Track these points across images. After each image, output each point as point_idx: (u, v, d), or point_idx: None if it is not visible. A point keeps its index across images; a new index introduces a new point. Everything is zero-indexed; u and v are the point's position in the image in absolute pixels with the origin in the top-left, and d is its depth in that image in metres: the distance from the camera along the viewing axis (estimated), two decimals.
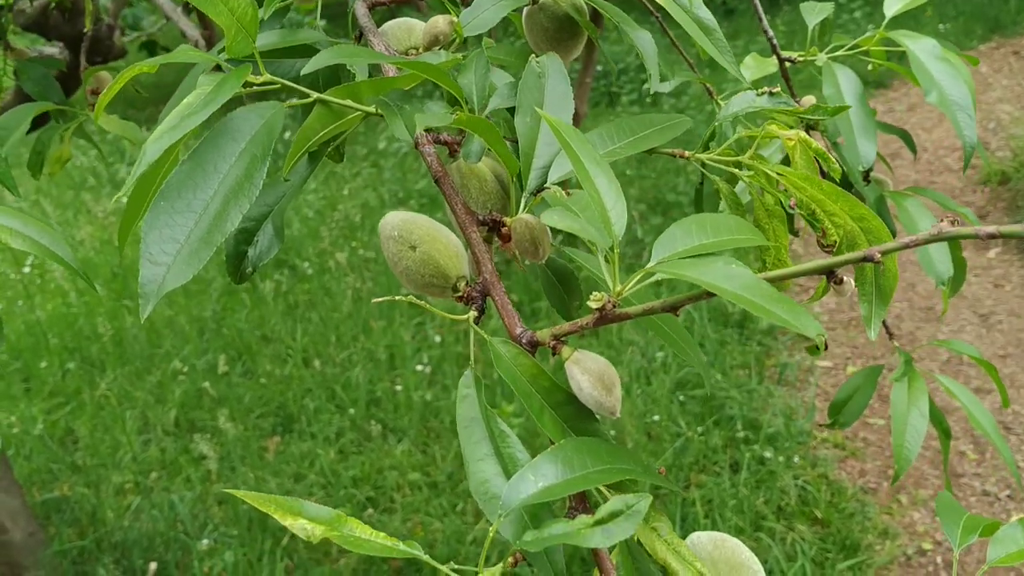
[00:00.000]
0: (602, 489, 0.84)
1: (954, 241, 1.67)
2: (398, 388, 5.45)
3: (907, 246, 0.71)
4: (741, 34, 11.29)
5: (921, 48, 1.48)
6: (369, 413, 5.33)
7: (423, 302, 0.87)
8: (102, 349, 5.97)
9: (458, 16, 1.14)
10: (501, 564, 0.78)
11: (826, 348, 0.67)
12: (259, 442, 5.15)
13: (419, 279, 0.93)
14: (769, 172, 1.01)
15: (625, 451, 0.83)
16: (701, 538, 0.88)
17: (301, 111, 1.04)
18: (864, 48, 1.61)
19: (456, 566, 0.78)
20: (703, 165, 1.08)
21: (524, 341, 0.87)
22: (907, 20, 9.25)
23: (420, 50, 1.15)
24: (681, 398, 5.22)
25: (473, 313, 0.91)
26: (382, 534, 0.77)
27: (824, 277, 0.80)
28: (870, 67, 1.67)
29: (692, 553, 0.83)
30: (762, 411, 5.11)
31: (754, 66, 1.75)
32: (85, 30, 1.96)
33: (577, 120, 6.50)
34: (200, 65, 1.09)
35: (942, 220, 0.69)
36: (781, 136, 1.02)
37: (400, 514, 4.59)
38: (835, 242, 0.97)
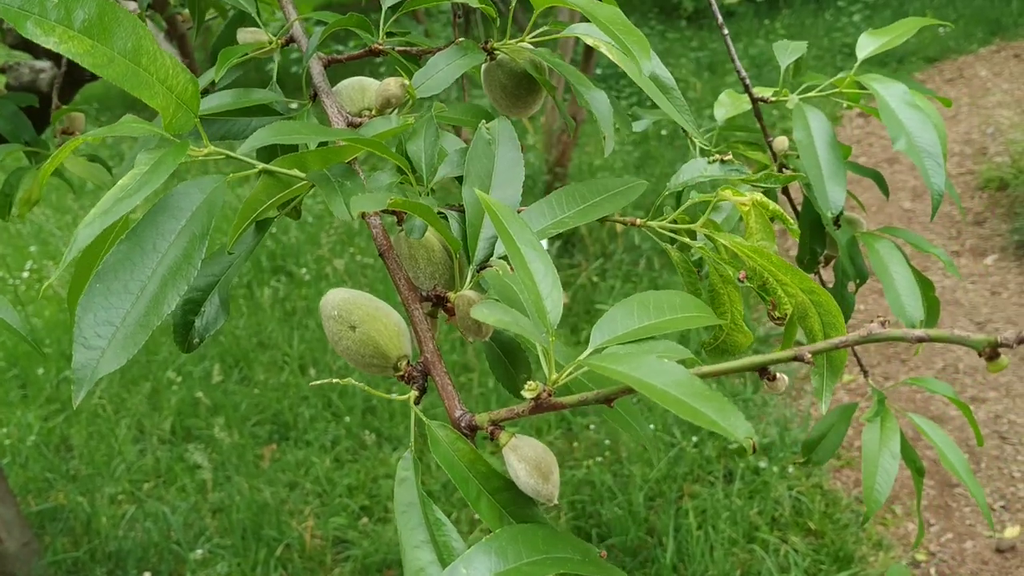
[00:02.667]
0: None
1: (926, 281, 1.66)
2: (393, 396, 5.45)
3: (838, 347, 0.71)
4: (741, 37, 11.26)
5: (891, 93, 1.47)
6: (364, 422, 5.33)
7: (363, 384, 0.86)
8: None
9: (411, 77, 1.13)
10: None
11: (754, 451, 0.66)
12: (254, 450, 5.15)
13: (360, 359, 0.93)
14: (724, 243, 1.00)
15: (564, 537, 0.82)
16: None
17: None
18: (838, 89, 1.60)
19: None
20: (678, 241, 1.08)
21: (463, 425, 0.87)
22: None
23: (373, 112, 1.14)
24: None
25: (414, 393, 0.90)
26: None
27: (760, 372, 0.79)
28: (846, 105, 1.66)
29: None
30: (757, 421, 5.10)
31: (728, 103, 1.74)
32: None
33: (576, 126, 6.49)
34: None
35: (873, 321, 0.68)
36: (735, 201, 1.02)
37: (394, 524, 4.60)
38: (786, 314, 0.97)
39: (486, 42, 1.19)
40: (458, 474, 0.83)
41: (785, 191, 1.68)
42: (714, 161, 1.06)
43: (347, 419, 5.30)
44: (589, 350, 0.82)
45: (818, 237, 1.65)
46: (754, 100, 1.63)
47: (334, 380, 0.85)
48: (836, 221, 1.49)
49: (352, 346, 0.92)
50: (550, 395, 0.80)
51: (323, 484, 4.86)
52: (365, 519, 4.66)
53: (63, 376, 5.82)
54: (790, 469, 4.78)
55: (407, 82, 1.10)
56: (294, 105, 1.20)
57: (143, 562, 4.40)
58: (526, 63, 1.17)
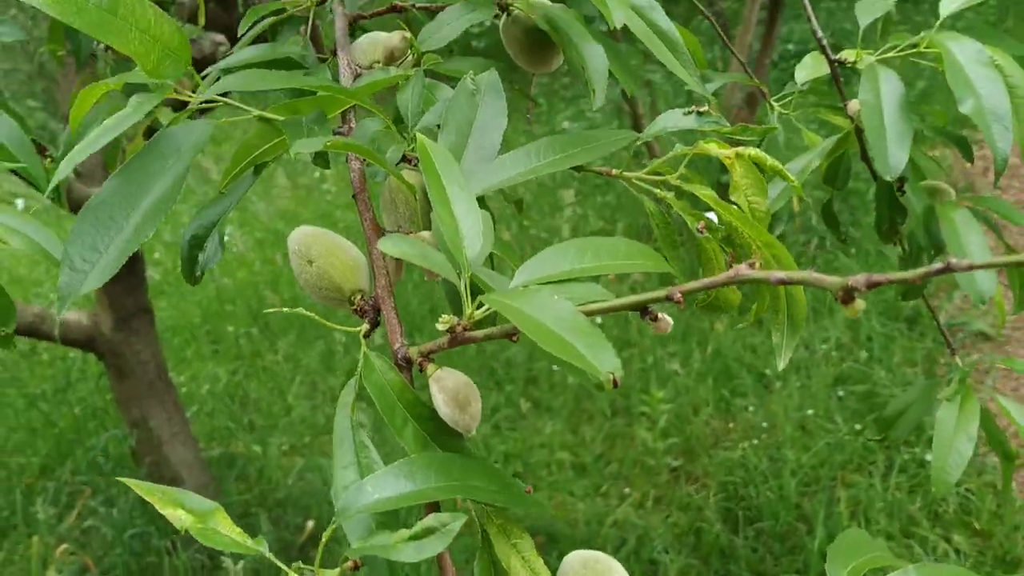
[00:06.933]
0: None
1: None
2: (555, 368, 5.52)
3: (706, 287, 0.70)
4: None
5: (962, 51, 1.39)
6: (525, 391, 5.43)
7: (317, 316, 0.92)
8: (279, 315, 6.34)
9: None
10: (339, 568, 0.83)
11: (615, 386, 0.67)
12: None
13: (317, 292, 0.99)
14: (697, 192, 0.99)
15: (487, 469, 0.85)
16: (572, 560, 0.89)
17: None
18: (917, 48, 1.53)
19: (303, 566, 0.83)
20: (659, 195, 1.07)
21: (399, 357, 0.91)
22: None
23: (381, 63, 1.19)
24: (840, 393, 5.03)
25: (365, 326, 0.95)
26: (238, 530, 0.84)
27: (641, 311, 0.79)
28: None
29: (548, 571, 0.85)
30: (928, 412, 4.85)
31: (811, 65, 1.68)
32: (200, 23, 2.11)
33: (754, 103, 6.30)
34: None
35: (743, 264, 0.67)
36: (719, 154, 1.00)
37: (546, 492, 4.67)
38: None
39: None
40: (386, 402, 0.87)
41: (864, 156, 1.62)
42: (690, 112, 1.05)
43: (508, 388, 5.41)
44: (512, 285, 0.84)
45: (897, 206, 1.58)
46: (831, 62, 1.58)
47: (298, 309, 0.92)
48: (900, 186, 1.43)
49: (310, 279, 0.98)
50: (465, 329, 0.83)
51: (480, 449, 4.98)
52: None
53: (243, 332, 6.20)
54: None
55: (408, 35, 1.15)
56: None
57: (305, 509, 4.67)
58: (540, 18, 1.19)
